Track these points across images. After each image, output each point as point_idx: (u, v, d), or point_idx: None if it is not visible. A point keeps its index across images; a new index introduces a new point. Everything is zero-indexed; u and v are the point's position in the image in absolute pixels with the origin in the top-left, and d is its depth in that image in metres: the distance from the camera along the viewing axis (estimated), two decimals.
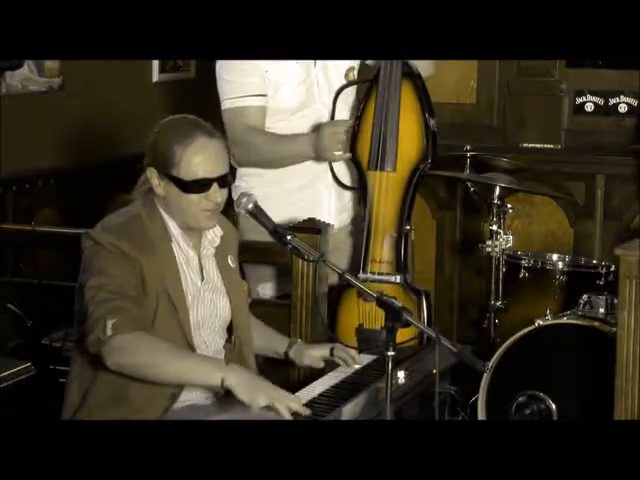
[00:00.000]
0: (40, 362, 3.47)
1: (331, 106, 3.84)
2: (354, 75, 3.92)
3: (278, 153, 3.79)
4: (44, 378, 3.43)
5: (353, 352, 3.11)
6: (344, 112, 3.90)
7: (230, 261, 3.00)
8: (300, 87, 3.80)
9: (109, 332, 2.66)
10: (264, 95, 3.75)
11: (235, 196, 3.72)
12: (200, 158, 2.80)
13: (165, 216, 2.87)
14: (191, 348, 2.82)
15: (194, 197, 2.81)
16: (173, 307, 2.81)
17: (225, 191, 2.89)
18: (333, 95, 3.85)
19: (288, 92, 3.78)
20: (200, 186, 2.81)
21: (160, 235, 2.84)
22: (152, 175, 2.83)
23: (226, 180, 2.86)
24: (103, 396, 2.79)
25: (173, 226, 2.87)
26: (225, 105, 3.77)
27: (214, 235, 2.94)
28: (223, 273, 2.97)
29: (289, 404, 2.59)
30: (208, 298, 2.91)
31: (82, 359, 2.83)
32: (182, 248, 2.88)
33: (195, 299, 2.88)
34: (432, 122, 3.80)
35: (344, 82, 3.88)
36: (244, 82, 3.73)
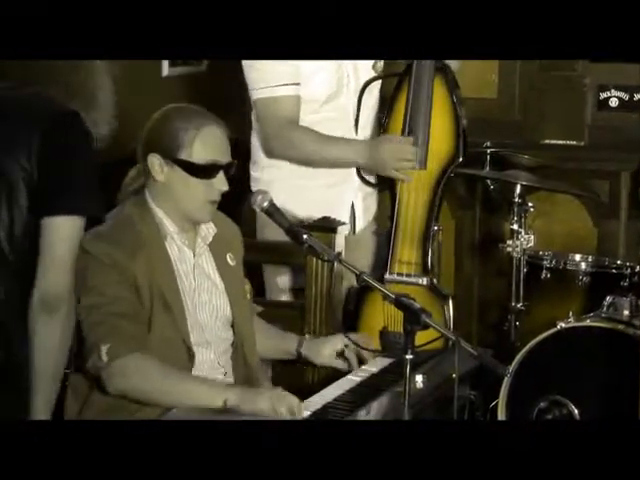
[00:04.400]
0: None
1: (356, 99, 3.80)
2: (381, 66, 3.87)
3: (328, 156, 3.73)
4: None
5: (363, 353, 3.08)
6: (368, 105, 3.85)
7: (229, 259, 2.98)
8: (333, 77, 3.74)
9: (105, 358, 2.67)
10: (298, 84, 3.67)
11: (254, 187, 3.68)
12: (211, 142, 2.83)
13: (160, 213, 2.86)
14: (189, 349, 2.81)
15: (200, 184, 2.82)
16: (169, 308, 2.79)
17: (226, 182, 2.91)
18: (360, 87, 3.80)
19: (321, 82, 3.72)
20: (209, 171, 2.82)
21: (153, 235, 2.83)
22: (154, 161, 2.81)
23: (231, 168, 2.87)
24: (99, 407, 2.78)
25: (169, 223, 2.86)
26: (257, 94, 3.69)
27: (207, 232, 2.94)
28: (221, 271, 2.95)
29: (289, 404, 2.60)
30: (205, 297, 2.91)
31: (75, 371, 2.83)
32: (177, 246, 2.87)
33: (192, 298, 2.87)
34: (464, 119, 3.76)
35: (372, 73, 3.82)
36: (277, 70, 3.64)
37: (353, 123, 3.80)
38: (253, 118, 3.79)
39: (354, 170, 3.82)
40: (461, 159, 3.74)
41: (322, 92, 3.72)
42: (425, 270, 3.76)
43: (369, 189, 3.90)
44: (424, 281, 3.74)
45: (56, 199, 2.49)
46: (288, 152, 3.71)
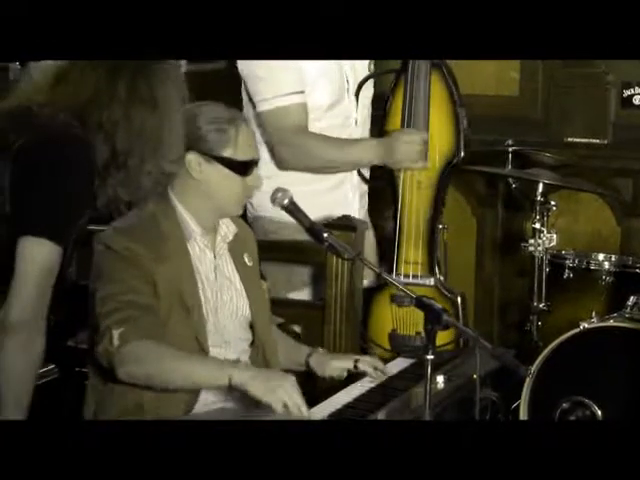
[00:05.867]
0: (65, 364, 3.43)
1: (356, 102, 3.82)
2: (372, 68, 3.89)
3: (343, 159, 3.74)
4: (69, 380, 3.38)
5: (380, 364, 3.06)
6: (364, 104, 3.87)
7: (247, 259, 3.00)
8: (335, 84, 3.75)
9: (116, 342, 2.66)
10: (303, 92, 3.67)
11: (254, 196, 3.66)
12: (249, 139, 2.89)
13: (184, 213, 2.86)
14: (205, 351, 2.82)
15: (238, 181, 2.86)
16: (187, 309, 2.80)
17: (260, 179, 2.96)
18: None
19: (324, 89, 3.72)
20: (249, 168, 2.88)
21: (176, 234, 2.84)
22: (192, 159, 2.82)
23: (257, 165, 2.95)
24: (117, 408, 2.79)
25: (193, 224, 2.87)
26: (264, 106, 3.68)
27: (227, 231, 2.96)
28: (240, 272, 2.97)
29: (300, 407, 2.57)
30: (226, 297, 2.92)
31: (95, 369, 2.84)
32: (199, 246, 2.89)
33: (212, 299, 2.88)
34: (463, 114, 3.77)
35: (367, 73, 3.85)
36: (282, 80, 3.64)
37: (354, 123, 3.82)
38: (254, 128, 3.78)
39: (354, 171, 3.84)
40: (462, 155, 3.77)
41: (325, 99, 3.73)
42: (431, 270, 3.79)
43: (364, 187, 3.92)
44: (431, 281, 3.78)
45: (22, 220, 2.47)
46: (302, 160, 3.71)
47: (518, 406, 3.77)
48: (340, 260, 3.42)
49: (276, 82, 3.64)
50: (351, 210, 3.79)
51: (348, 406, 2.79)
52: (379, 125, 3.84)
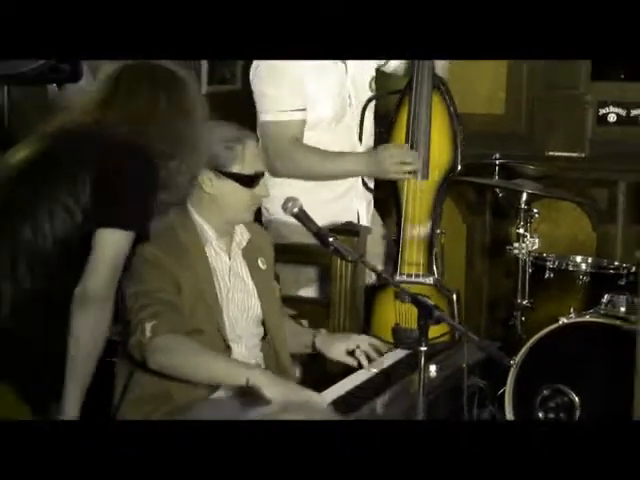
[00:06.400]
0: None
1: (358, 118, 3.92)
2: (374, 88, 3.99)
3: (332, 170, 3.81)
4: (102, 371, 3.37)
5: (376, 341, 3.16)
6: (368, 121, 3.97)
7: (260, 263, 3.10)
8: (337, 97, 3.84)
9: (148, 334, 2.77)
10: (304, 109, 3.77)
11: (264, 203, 3.66)
12: (255, 153, 2.98)
13: (200, 221, 2.98)
14: (227, 346, 2.94)
15: (247, 193, 2.96)
16: (208, 307, 2.92)
17: (267, 188, 3.07)
18: (360, 105, 3.93)
19: (327, 102, 3.81)
20: (255, 180, 2.97)
21: (194, 242, 2.95)
22: (204, 176, 2.93)
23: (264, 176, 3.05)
24: (144, 392, 2.91)
25: (209, 229, 2.98)
26: (266, 117, 3.76)
27: (242, 237, 3.06)
28: (253, 275, 3.07)
29: (314, 403, 2.68)
30: (238, 298, 3.02)
31: (126, 358, 2.93)
32: (215, 251, 2.99)
33: (226, 299, 2.98)
34: (460, 131, 3.87)
35: (368, 93, 3.94)
36: (286, 96, 3.74)
37: (357, 138, 3.92)
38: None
39: (358, 180, 3.93)
40: (459, 168, 3.87)
41: (329, 112, 3.81)
42: (430, 270, 3.88)
43: (369, 196, 4.00)
44: (430, 280, 3.88)
45: (104, 214, 2.71)
46: (293, 170, 3.78)
47: (503, 393, 3.88)
48: (344, 262, 3.53)
49: (280, 99, 3.73)
50: (357, 218, 3.89)
51: (351, 393, 2.84)
52: (384, 141, 3.89)
